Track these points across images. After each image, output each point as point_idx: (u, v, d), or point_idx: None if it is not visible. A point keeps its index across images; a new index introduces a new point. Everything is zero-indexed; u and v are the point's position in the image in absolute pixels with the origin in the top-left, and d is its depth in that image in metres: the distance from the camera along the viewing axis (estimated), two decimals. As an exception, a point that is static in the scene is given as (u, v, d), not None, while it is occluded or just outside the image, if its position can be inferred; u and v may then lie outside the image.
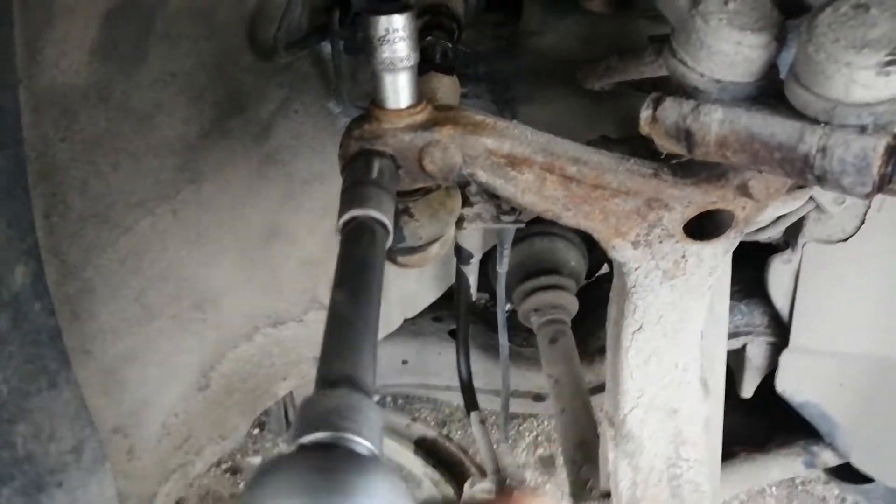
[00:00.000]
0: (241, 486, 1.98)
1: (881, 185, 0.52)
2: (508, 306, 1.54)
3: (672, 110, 0.60)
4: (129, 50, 0.76)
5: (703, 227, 0.73)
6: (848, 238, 1.08)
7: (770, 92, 0.57)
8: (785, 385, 1.23)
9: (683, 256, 0.74)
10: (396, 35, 0.59)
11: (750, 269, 1.21)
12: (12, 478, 0.76)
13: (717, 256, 0.75)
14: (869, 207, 1.05)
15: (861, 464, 1.27)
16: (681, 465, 0.82)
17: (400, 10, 0.58)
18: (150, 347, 0.99)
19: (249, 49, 0.91)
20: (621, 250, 0.73)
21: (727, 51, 0.55)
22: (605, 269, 1.60)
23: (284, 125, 1.01)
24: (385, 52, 0.59)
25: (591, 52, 0.99)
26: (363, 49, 0.93)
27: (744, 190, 0.66)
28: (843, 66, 0.49)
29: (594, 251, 1.52)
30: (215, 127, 0.93)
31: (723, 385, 0.98)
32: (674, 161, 0.68)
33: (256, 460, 2.08)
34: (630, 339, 0.80)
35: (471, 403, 1.19)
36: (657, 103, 0.61)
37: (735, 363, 1.33)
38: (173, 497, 1.13)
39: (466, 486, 0.88)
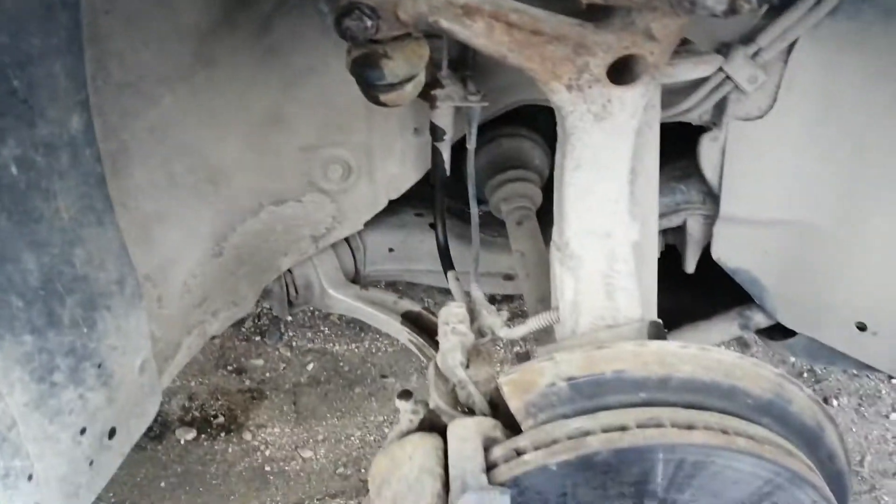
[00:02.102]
0: (246, 383, 2.19)
1: (732, 4, 0.70)
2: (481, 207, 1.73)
3: (587, -37, 0.78)
4: (157, -59, 0.93)
5: (624, 75, 0.91)
6: (764, 115, 1.27)
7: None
8: (719, 252, 1.43)
9: (609, 100, 0.93)
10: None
11: (689, 155, 1.40)
12: (73, 291, 0.95)
13: (637, 101, 0.94)
14: (779, 87, 1.24)
15: (785, 320, 1.47)
16: (613, 276, 1.02)
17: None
18: (173, 210, 1.17)
19: (251, -49, 1.08)
20: (558, 93, 0.91)
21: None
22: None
23: (282, 22, 1.18)
24: (365, -77, 0.77)
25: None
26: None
27: (648, 33, 0.84)
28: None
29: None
30: (225, 18, 1.11)
31: (655, 224, 1.17)
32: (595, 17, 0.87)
33: (259, 362, 2.28)
34: (570, 174, 0.99)
35: (447, 265, 1.38)
36: (576, -40, 0.79)
37: (678, 240, 1.53)
38: (193, 350, 1.32)
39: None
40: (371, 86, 0.87)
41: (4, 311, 0.84)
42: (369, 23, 0.80)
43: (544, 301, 1.34)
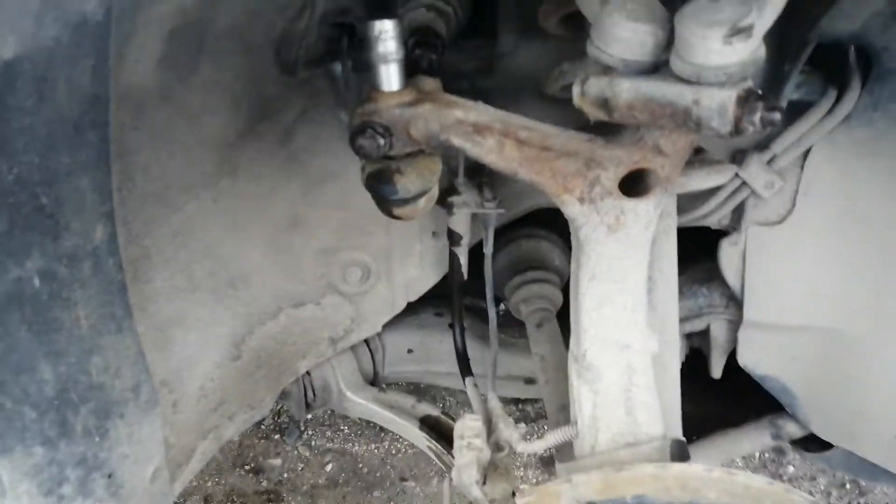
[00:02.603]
0: (263, 484, 2.14)
1: (737, 126, 0.71)
2: (501, 306, 1.72)
3: (594, 85, 0.80)
4: (185, 61, 0.98)
5: (636, 188, 0.92)
6: (783, 220, 1.26)
7: (661, 65, 0.77)
8: (745, 359, 1.39)
9: (622, 212, 0.93)
10: (387, 35, 0.80)
11: (710, 258, 1.39)
12: (88, 400, 0.95)
13: (650, 212, 0.94)
14: (797, 192, 1.23)
15: (820, 431, 1.41)
16: (633, 390, 0.99)
17: (389, 17, 0.80)
18: (192, 314, 1.19)
19: (276, 65, 1.13)
20: (570, 206, 0.92)
21: (628, 37, 0.76)
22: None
23: (304, 130, 1.22)
24: (380, 48, 0.80)
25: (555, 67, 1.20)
26: (365, 65, 1.15)
27: (657, 149, 0.85)
28: (701, 40, 0.70)
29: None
30: (248, 129, 1.15)
31: (676, 333, 1.14)
32: (605, 132, 0.88)
33: (277, 462, 2.24)
34: (586, 285, 0.99)
35: (465, 370, 1.36)
36: (584, 82, 0.81)
37: (703, 344, 1.50)
38: (208, 455, 1.31)
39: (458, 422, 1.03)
40: (385, 200, 0.88)
41: (17, 423, 0.84)
42: (382, 141, 0.82)
43: (565, 409, 1.30)
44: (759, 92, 0.70)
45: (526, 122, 0.85)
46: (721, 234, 1.35)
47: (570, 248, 1.67)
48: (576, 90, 0.82)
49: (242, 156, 1.16)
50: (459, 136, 0.84)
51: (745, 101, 0.70)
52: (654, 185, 0.91)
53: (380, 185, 0.87)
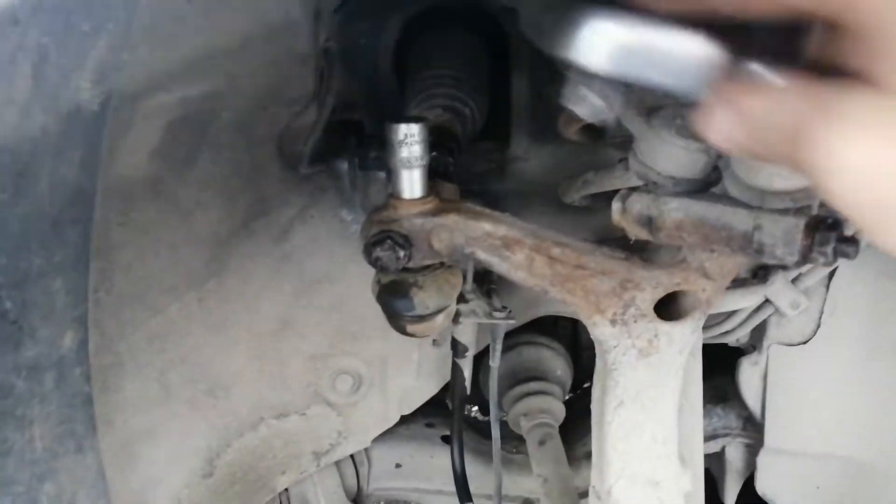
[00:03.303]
0: None
1: (805, 254, 0.64)
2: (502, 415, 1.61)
3: (637, 202, 0.73)
4: (182, 154, 0.90)
5: (672, 309, 0.84)
6: (807, 341, 1.19)
7: (713, 184, 0.70)
8: (765, 487, 1.29)
9: (656, 335, 0.85)
10: (414, 139, 0.73)
11: (724, 375, 1.31)
12: (33, 535, 0.81)
13: (685, 336, 0.86)
14: (822, 312, 1.17)
15: (843, 570, 1.30)
16: (664, 535, 0.88)
17: (417, 121, 0.73)
18: (164, 426, 1.06)
19: (278, 161, 1.05)
20: (601, 327, 0.83)
21: (677, 154, 0.69)
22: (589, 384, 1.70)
23: (301, 229, 1.14)
24: (404, 153, 0.73)
25: (570, 174, 1.14)
26: (376, 165, 1.08)
27: (702, 271, 0.78)
28: (767, 164, 0.63)
29: (579, 363, 1.62)
30: (242, 226, 1.06)
31: (702, 466, 1.05)
32: (642, 249, 0.81)
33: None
34: (612, 413, 0.89)
35: (464, 496, 1.23)
36: (625, 197, 0.75)
37: (716, 468, 1.39)
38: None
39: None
40: (398, 316, 0.79)
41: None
42: (402, 253, 0.73)
43: (572, 541, 1.18)
44: (830, 220, 0.64)
45: (558, 237, 0.78)
46: (737, 350, 1.28)
47: (572, 357, 1.60)
48: (616, 206, 0.75)
49: (233, 254, 1.06)
50: (486, 250, 0.76)
51: (815, 229, 0.63)
52: (693, 308, 0.83)
53: (394, 300, 0.77)
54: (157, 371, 1.02)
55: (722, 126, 0.43)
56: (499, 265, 0.76)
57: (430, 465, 1.48)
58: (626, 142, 0.78)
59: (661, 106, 0.70)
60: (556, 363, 1.51)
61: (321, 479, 1.39)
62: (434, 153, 0.95)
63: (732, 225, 0.67)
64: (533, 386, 1.44)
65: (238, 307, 1.11)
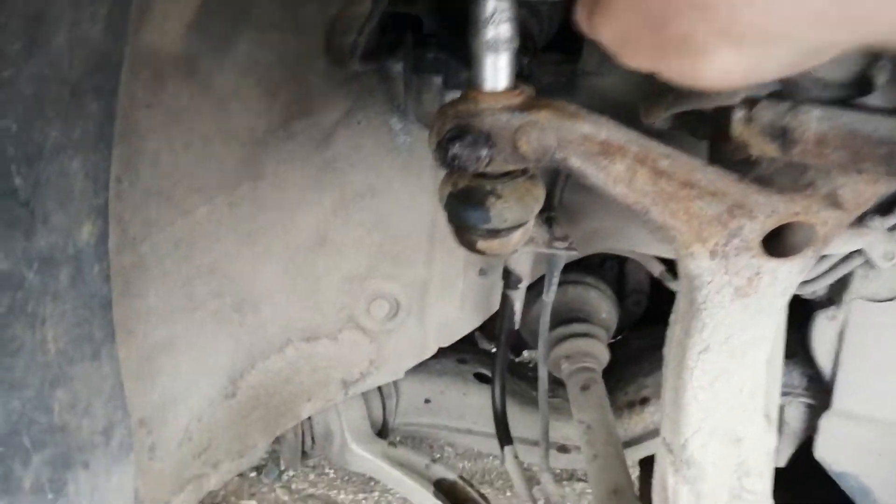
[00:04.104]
0: (234, 530, 1.89)
1: None
2: (525, 354, 1.52)
3: (768, 110, 0.61)
4: (222, 30, 0.78)
5: (780, 244, 0.73)
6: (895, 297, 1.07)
7: (864, 93, 0.58)
8: (824, 452, 1.19)
9: (758, 273, 0.74)
10: (504, 16, 0.60)
11: (791, 329, 1.20)
12: (44, 445, 0.73)
13: (791, 277, 0.74)
14: (918, 266, 1.05)
15: (897, 543, 1.22)
16: (745, 498, 0.79)
17: (506, -6, 0.60)
18: (187, 340, 0.96)
19: (325, 54, 0.93)
20: (698, 259, 0.72)
21: (834, 48, 0.57)
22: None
23: (345, 135, 1.02)
24: (490, 33, 0.60)
25: (648, 93, 1.01)
26: (434, 67, 0.95)
27: (832, 199, 0.66)
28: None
29: (623, 307, 1.51)
30: (282, 126, 0.94)
31: (777, 422, 0.95)
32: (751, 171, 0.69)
33: (251, 505, 1.99)
34: (696, 358, 0.79)
35: (504, 437, 1.14)
36: (752, 104, 0.62)
37: (769, 427, 1.30)
38: (183, 511, 1.07)
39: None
40: (469, 228, 0.68)
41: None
42: (483, 152, 0.62)
43: (618, 493, 1.09)
44: None
45: (666, 148, 0.65)
46: (806, 303, 1.17)
47: (619, 298, 1.49)
48: (739, 115, 0.62)
49: (270, 157, 0.95)
50: (582, 156, 0.64)
51: None
52: (806, 244, 0.72)
53: (468, 209, 0.66)
54: (183, 279, 0.92)
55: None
56: (594, 175, 0.65)
57: (462, 402, 1.39)
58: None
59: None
60: (603, 305, 1.41)
61: (346, 408, 1.30)
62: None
63: (893, 139, 0.55)
64: (577, 328, 1.35)
65: (272, 217, 1.00)
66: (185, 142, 0.83)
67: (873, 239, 1.02)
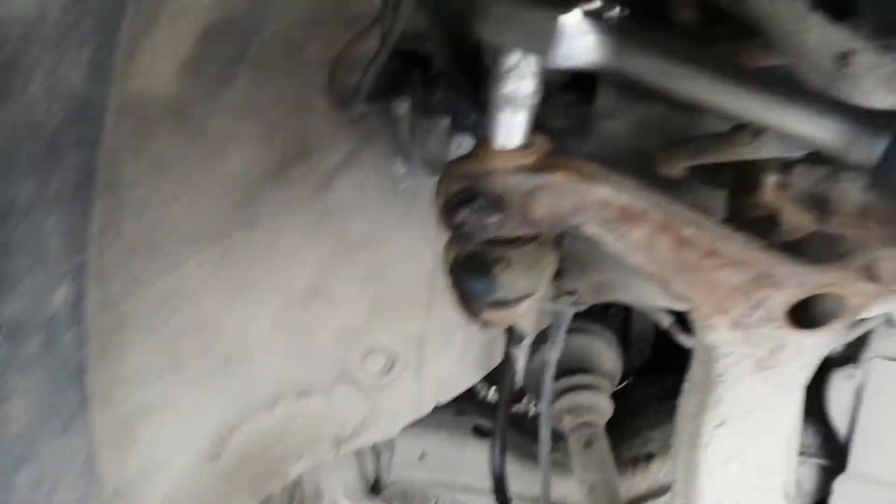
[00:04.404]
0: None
1: None
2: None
3: (805, 176, 0.57)
4: (218, 70, 0.73)
5: (806, 314, 0.68)
6: (917, 358, 1.03)
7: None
8: (838, 515, 1.14)
9: (782, 345, 0.69)
10: (528, 70, 0.56)
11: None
12: (3, 529, 0.66)
13: (817, 349, 0.70)
14: (940, 327, 1.01)
15: None
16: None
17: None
18: (169, 403, 0.91)
19: (326, 94, 0.88)
20: (718, 331, 0.67)
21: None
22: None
23: (346, 179, 0.97)
24: (509, 85, 0.56)
25: (663, 139, 0.97)
26: (442, 108, 0.91)
27: (869, 272, 0.61)
28: None
29: (627, 356, 1.46)
30: (279, 170, 0.90)
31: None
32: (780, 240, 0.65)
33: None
34: (711, 434, 0.73)
35: (502, 499, 1.08)
36: (787, 168, 0.58)
37: (780, 488, 1.24)
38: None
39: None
40: (474, 298, 0.63)
41: None
42: (494, 218, 0.57)
43: (624, 563, 1.03)
44: None
45: (691, 214, 0.61)
46: (826, 360, 1.12)
47: (623, 347, 1.44)
48: (773, 180, 0.58)
49: (266, 203, 0.90)
50: (599, 223, 0.59)
51: None
52: (836, 316, 0.67)
53: (473, 278, 0.61)
54: (168, 337, 0.87)
55: None
56: (613, 244, 0.60)
57: (460, 457, 1.33)
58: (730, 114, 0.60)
59: (857, 49, 0.53)
60: (607, 355, 1.36)
61: (337, 465, 1.24)
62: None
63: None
64: (580, 379, 1.29)
65: (265, 266, 0.95)
66: (174, 190, 0.79)
67: None
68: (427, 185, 0.99)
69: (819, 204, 0.56)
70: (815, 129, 0.52)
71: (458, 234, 0.58)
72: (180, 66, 0.66)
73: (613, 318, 1.43)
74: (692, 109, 0.98)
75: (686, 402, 0.78)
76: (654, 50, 0.51)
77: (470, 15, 0.54)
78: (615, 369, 1.37)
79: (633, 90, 1.00)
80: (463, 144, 0.94)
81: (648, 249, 0.61)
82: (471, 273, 0.61)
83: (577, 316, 1.34)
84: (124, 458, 0.85)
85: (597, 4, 0.51)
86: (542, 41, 0.52)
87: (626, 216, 0.59)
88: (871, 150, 0.51)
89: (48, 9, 0.47)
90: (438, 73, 0.92)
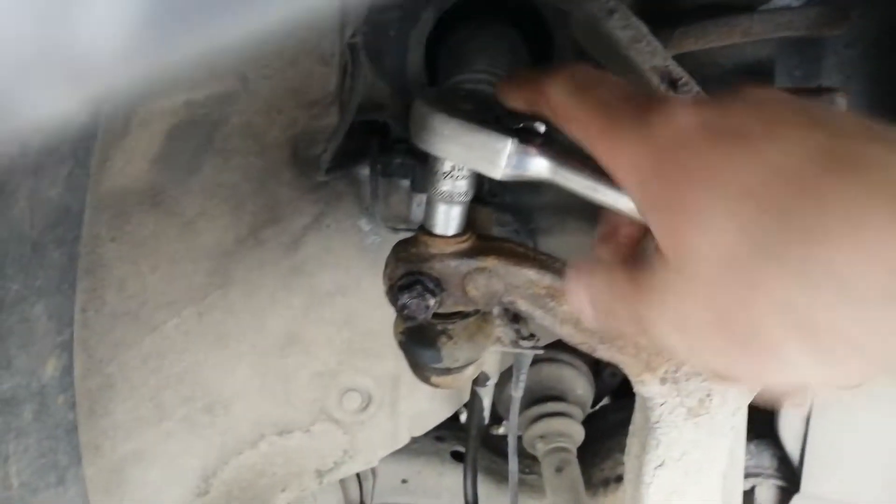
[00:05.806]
0: None
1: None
2: (502, 429, 1.53)
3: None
4: (185, 161, 0.80)
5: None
6: (860, 384, 1.09)
7: None
8: (795, 533, 1.20)
9: (709, 395, 0.75)
10: (462, 172, 0.62)
11: (761, 410, 1.21)
12: (3, 583, 0.73)
13: (741, 397, 0.76)
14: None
15: None
16: None
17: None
18: (157, 448, 0.97)
19: (291, 166, 0.95)
20: (649, 385, 0.74)
21: None
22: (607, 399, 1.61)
23: (315, 238, 1.04)
24: (446, 186, 0.63)
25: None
26: (400, 172, 0.98)
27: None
28: None
29: (599, 380, 1.52)
30: (250, 235, 0.96)
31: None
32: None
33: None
34: (652, 474, 0.80)
35: (476, 530, 1.15)
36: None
37: (742, 506, 1.31)
38: None
39: None
40: (423, 367, 0.70)
41: None
42: (432, 301, 0.64)
43: (590, 585, 1.10)
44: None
45: (612, 287, 0.68)
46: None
47: (594, 374, 1.51)
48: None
49: (240, 265, 0.97)
50: (528, 299, 0.66)
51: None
52: (754, 369, 0.73)
53: (420, 350, 0.68)
54: (151, 391, 0.94)
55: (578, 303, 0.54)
56: (542, 318, 0.67)
57: (439, 482, 1.40)
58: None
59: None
60: (577, 382, 1.42)
61: (322, 494, 1.31)
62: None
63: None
64: (551, 407, 1.36)
65: (242, 321, 1.02)
66: (151, 265, 0.85)
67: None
68: (391, 240, 1.06)
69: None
70: None
71: (404, 316, 0.65)
72: (151, 163, 0.73)
73: (584, 344, 1.50)
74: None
75: (630, 444, 0.85)
76: (576, 164, 0.57)
77: (410, 125, 0.59)
78: (586, 395, 1.43)
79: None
80: (422, 203, 1.01)
81: (576, 322, 0.68)
82: (418, 345, 0.68)
83: (548, 345, 1.41)
84: (117, 501, 0.92)
85: (540, 127, 0.56)
86: (490, 161, 0.56)
87: (553, 293, 0.66)
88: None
89: (27, 144, 0.54)
90: (396, 139, 0.99)
